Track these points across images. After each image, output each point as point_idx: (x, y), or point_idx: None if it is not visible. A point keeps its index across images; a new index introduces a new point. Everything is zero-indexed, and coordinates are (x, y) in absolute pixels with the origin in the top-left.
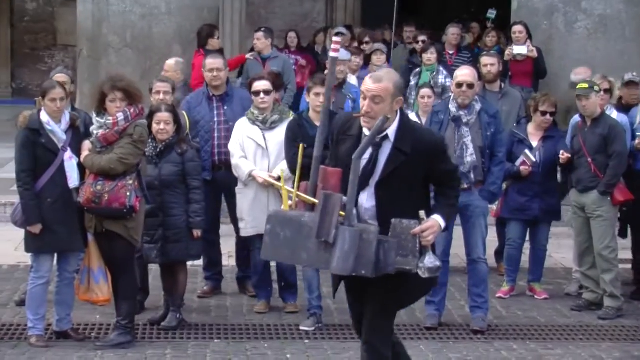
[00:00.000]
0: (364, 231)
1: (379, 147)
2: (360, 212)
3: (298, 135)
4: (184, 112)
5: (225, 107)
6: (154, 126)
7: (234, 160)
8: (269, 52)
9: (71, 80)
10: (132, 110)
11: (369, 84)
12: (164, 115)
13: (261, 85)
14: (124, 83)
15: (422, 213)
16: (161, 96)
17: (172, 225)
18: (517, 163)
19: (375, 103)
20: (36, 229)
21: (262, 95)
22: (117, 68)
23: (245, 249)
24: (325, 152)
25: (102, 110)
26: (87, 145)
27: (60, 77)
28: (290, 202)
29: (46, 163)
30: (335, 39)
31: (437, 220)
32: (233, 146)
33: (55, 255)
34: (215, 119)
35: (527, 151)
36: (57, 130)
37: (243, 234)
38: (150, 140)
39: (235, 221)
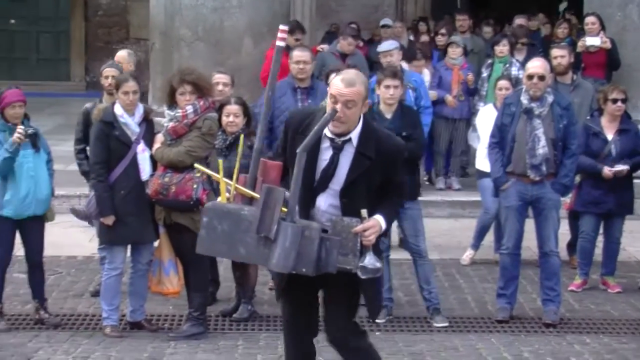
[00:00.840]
0: (306, 228)
1: (341, 150)
2: (317, 214)
3: None
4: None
5: (309, 100)
6: (224, 119)
7: None
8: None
9: (120, 73)
10: (201, 103)
11: (341, 88)
12: (233, 108)
13: None
14: (193, 76)
15: (364, 212)
16: (220, 87)
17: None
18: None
19: (348, 108)
20: (109, 220)
21: None
22: (188, 61)
23: None
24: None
25: (173, 103)
26: (159, 138)
27: (109, 71)
28: (227, 195)
29: (119, 155)
30: (281, 27)
31: (379, 220)
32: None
33: (129, 246)
34: None
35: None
36: (131, 122)
37: None
38: (220, 133)
39: None
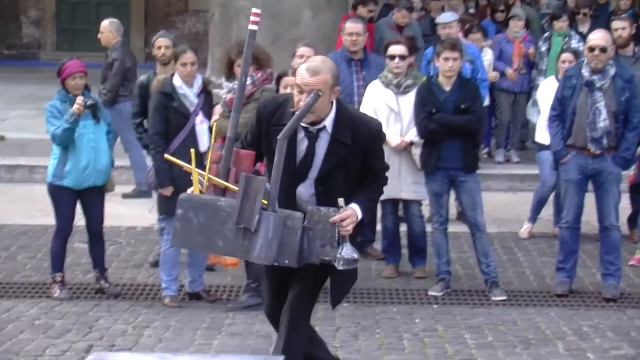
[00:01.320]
0: (288, 218)
1: (316, 139)
2: (300, 205)
3: (427, 100)
4: None
5: (364, 72)
6: (281, 90)
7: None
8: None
9: (173, 44)
10: (259, 75)
11: (305, 77)
12: (291, 80)
13: (397, 50)
14: None
15: (341, 201)
16: (304, 60)
17: None
18: None
19: (319, 96)
20: (168, 192)
21: (397, 60)
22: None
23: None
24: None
25: (231, 75)
26: (218, 110)
27: (162, 41)
28: (200, 187)
29: (178, 127)
30: (254, 10)
31: (355, 209)
32: (366, 110)
33: None
34: (355, 83)
35: None
36: (189, 94)
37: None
38: None
39: None
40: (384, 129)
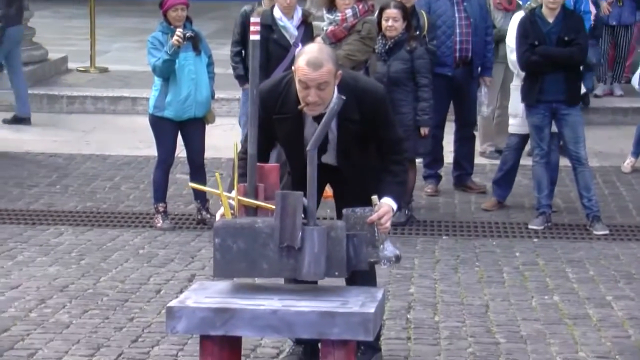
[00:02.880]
0: (331, 228)
1: (320, 119)
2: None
3: (530, 31)
4: (423, 12)
5: (465, 3)
6: (383, 23)
7: (512, 56)
8: None
9: None
10: (360, 7)
11: (307, 71)
12: (392, 12)
13: None
14: None
15: (374, 198)
16: None
17: (400, 122)
18: None
19: (322, 89)
20: None
21: None
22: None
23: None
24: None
25: (332, 7)
26: (318, 41)
27: None
28: (232, 211)
29: (278, 58)
30: (253, 20)
31: (389, 203)
32: (512, 41)
33: None
34: (457, 15)
35: None
36: (289, 26)
37: (514, 130)
38: (379, 37)
39: (461, 119)
40: None
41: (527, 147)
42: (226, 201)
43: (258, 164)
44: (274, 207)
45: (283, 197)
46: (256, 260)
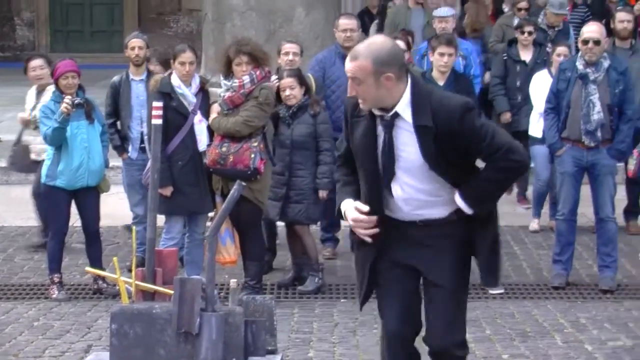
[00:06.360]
0: (229, 314)
1: (391, 127)
2: (397, 205)
3: None
4: (310, 75)
5: None
6: (281, 93)
7: None
8: None
9: (146, 44)
10: (258, 73)
11: (347, 61)
12: (287, 81)
13: None
14: (249, 47)
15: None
16: (290, 57)
17: (296, 185)
18: None
19: (356, 84)
20: (167, 191)
21: None
22: (240, 31)
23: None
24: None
25: (229, 73)
26: (215, 108)
27: (135, 42)
28: (129, 297)
29: (177, 126)
30: (155, 104)
31: (456, 200)
32: None
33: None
34: None
35: None
36: (188, 93)
37: None
38: (283, 104)
39: None
40: None
41: None
42: (123, 286)
43: (156, 249)
44: (172, 292)
45: (181, 283)
46: (153, 347)
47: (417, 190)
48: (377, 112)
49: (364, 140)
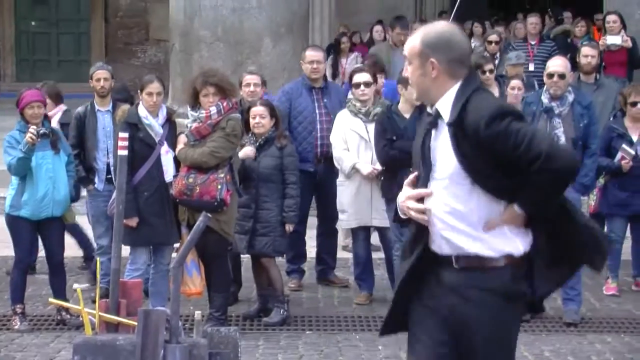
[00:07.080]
0: (193, 346)
1: (434, 126)
2: (437, 217)
3: (388, 128)
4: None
5: (325, 100)
6: (251, 120)
7: (336, 153)
8: None
9: (111, 75)
10: (225, 104)
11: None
12: (259, 110)
13: (361, 77)
14: (216, 78)
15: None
16: (251, 88)
17: (263, 218)
18: (617, 158)
19: (408, 64)
20: (133, 222)
21: (362, 87)
22: (208, 62)
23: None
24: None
25: (196, 104)
26: (182, 138)
27: (100, 73)
28: (92, 328)
29: (143, 157)
30: (121, 135)
31: (515, 208)
32: (335, 138)
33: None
34: (317, 111)
35: (624, 145)
36: (155, 124)
37: (345, 225)
38: (250, 135)
39: (323, 214)
40: (355, 158)
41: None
42: (87, 317)
43: (121, 280)
44: (136, 323)
45: (145, 314)
46: None
47: (454, 213)
48: (429, 110)
49: (415, 140)
